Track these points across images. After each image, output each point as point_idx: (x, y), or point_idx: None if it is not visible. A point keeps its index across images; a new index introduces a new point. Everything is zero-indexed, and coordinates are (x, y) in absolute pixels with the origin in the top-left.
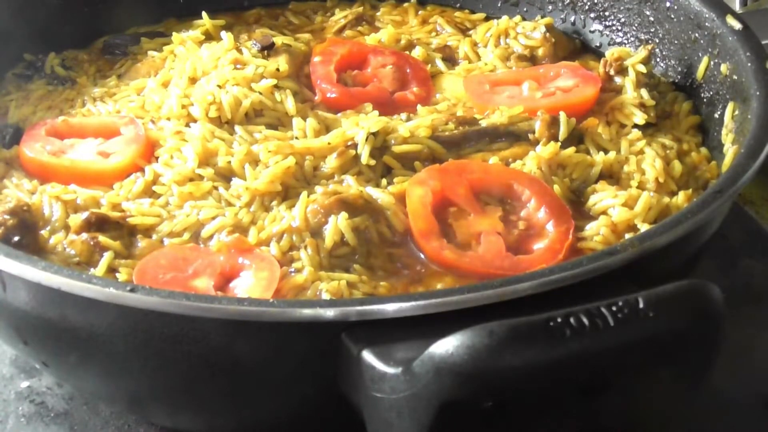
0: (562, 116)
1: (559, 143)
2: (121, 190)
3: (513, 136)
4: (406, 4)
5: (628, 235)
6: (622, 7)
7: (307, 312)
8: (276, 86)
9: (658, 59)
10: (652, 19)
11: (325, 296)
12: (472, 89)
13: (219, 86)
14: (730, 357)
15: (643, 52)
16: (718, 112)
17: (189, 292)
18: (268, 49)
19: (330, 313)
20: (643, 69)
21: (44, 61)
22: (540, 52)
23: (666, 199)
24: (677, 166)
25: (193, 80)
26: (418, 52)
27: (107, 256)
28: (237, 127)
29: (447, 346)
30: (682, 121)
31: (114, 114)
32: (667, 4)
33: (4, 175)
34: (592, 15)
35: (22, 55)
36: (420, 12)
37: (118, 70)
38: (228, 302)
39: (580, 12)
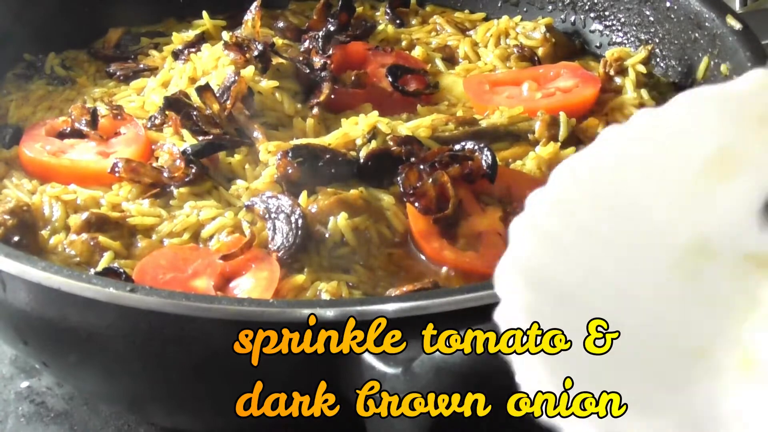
0: (562, 116)
1: (559, 143)
2: (121, 191)
3: (513, 136)
4: None
5: None
6: (622, 7)
7: (307, 312)
8: (276, 86)
9: (658, 59)
10: (652, 19)
11: (325, 296)
12: (472, 89)
13: (219, 86)
14: None
15: (643, 53)
16: None
17: (189, 292)
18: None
19: (330, 313)
20: (643, 69)
21: (44, 61)
22: (540, 52)
23: None
24: None
25: (193, 80)
26: (418, 52)
27: (107, 256)
28: None
29: None
30: None
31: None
32: (667, 4)
33: (4, 175)
34: (592, 15)
35: (22, 55)
36: (420, 12)
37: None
38: (228, 302)
39: (580, 12)
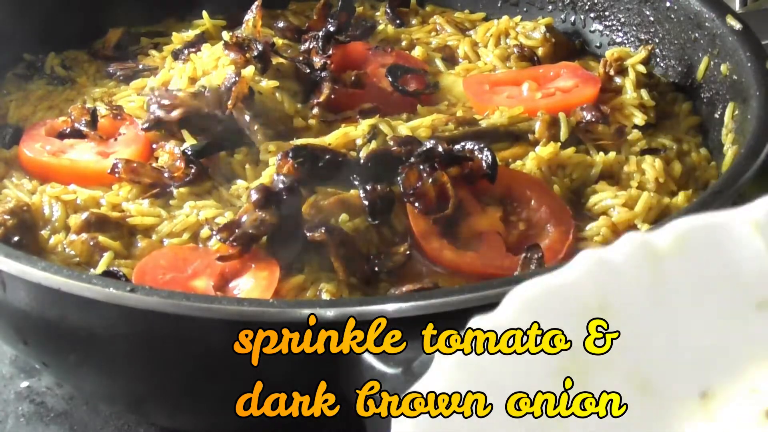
0: (562, 116)
1: (559, 143)
2: (121, 191)
3: (513, 136)
4: None
5: None
6: (622, 7)
7: (307, 312)
8: (276, 86)
9: (658, 59)
10: (652, 19)
11: (325, 296)
12: (471, 89)
13: (219, 86)
14: None
15: (643, 53)
16: (718, 113)
17: (189, 292)
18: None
19: (330, 313)
20: (642, 69)
21: (44, 61)
22: (540, 52)
23: (666, 200)
24: (677, 167)
25: (193, 80)
26: (417, 52)
27: (107, 256)
28: None
29: None
30: (682, 121)
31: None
32: (667, 4)
33: (4, 175)
34: (592, 15)
35: (22, 55)
36: (420, 12)
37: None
38: (228, 302)
39: (580, 12)
